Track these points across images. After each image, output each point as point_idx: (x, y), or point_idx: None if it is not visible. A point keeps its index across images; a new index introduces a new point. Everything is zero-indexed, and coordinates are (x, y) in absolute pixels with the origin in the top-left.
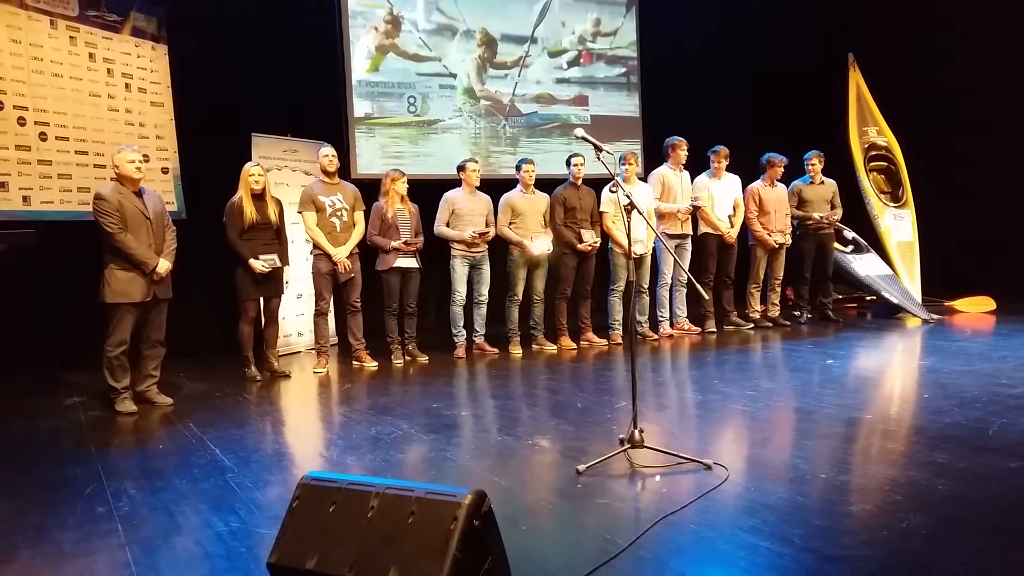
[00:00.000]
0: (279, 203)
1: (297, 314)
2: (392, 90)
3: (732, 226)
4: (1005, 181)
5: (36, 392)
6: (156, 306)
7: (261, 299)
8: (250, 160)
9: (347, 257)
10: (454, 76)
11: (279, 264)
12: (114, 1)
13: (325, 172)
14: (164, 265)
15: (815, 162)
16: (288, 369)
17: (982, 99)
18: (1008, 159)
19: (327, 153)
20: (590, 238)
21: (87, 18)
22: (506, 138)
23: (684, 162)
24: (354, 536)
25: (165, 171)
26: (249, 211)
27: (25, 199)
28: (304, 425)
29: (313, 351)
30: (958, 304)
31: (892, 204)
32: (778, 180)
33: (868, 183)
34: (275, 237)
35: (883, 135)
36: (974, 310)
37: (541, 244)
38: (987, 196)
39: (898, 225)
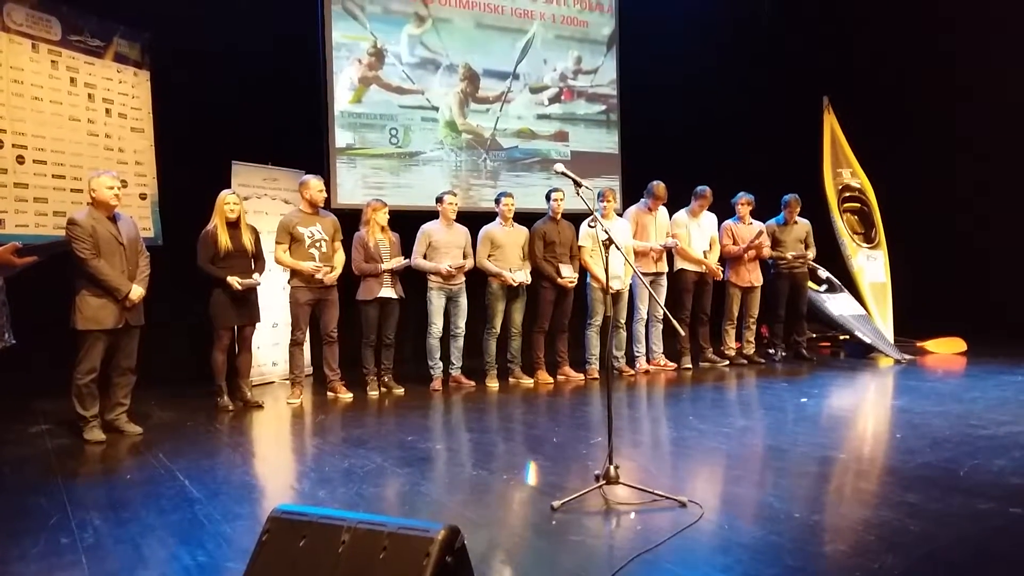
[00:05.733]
0: (255, 231)
1: (272, 343)
2: (374, 121)
3: (707, 258)
4: (977, 222)
5: (2, 418)
6: (128, 333)
7: (235, 327)
8: (228, 188)
9: (326, 286)
10: (436, 109)
11: (257, 283)
12: (97, 27)
13: (311, 204)
14: (137, 291)
15: (792, 206)
16: (261, 399)
17: (954, 142)
18: (980, 201)
19: (320, 188)
20: (569, 273)
21: (69, 43)
22: (486, 172)
23: (661, 206)
24: (325, 571)
25: (143, 197)
26: (224, 240)
27: None
28: (276, 457)
29: (287, 381)
30: (929, 345)
31: (865, 245)
32: (752, 218)
33: (842, 224)
34: (251, 266)
35: (856, 177)
36: (945, 351)
37: (520, 276)
38: (959, 237)
39: (871, 266)
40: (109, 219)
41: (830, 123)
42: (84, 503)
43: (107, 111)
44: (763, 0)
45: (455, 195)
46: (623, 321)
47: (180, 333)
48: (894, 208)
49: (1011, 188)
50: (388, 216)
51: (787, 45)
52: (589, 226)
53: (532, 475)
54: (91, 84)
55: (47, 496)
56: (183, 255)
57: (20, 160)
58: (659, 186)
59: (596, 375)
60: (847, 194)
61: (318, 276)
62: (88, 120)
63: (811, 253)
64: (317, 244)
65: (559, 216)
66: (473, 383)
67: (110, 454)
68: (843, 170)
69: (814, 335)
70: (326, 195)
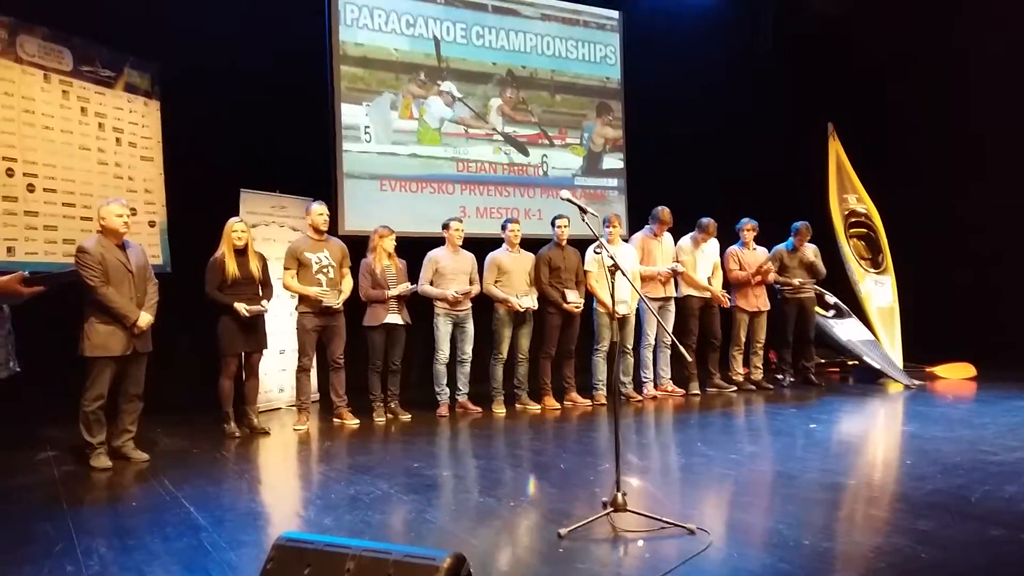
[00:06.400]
0: (262, 258)
1: (279, 370)
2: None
3: (711, 285)
4: (985, 245)
5: (9, 445)
6: (136, 360)
7: (243, 354)
8: (236, 215)
9: (333, 312)
10: (442, 136)
11: (264, 309)
12: (108, 57)
13: (316, 229)
14: (145, 319)
15: (803, 233)
16: (268, 426)
17: (961, 166)
18: (988, 224)
19: (321, 212)
20: (575, 298)
21: (81, 73)
22: (495, 198)
23: (667, 231)
24: None
25: (152, 224)
26: (231, 267)
27: (9, 250)
28: (282, 484)
29: (294, 408)
30: (939, 370)
31: (872, 270)
32: (756, 243)
33: (848, 249)
34: (258, 293)
35: (863, 202)
36: (955, 376)
37: (527, 301)
38: (968, 262)
39: (878, 291)
40: (118, 247)
41: (835, 149)
42: (90, 530)
43: (117, 140)
44: (766, 25)
45: (461, 221)
46: (630, 346)
47: (188, 360)
48: (901, 233)
49: (1019, 211)
50: (395, 243)
51: (791, 71)
52: (595, 252)
53: (532, 488)
54: (101, 114)
55: (52, 523)
56: (192, 282)
57: (31, 188)
58: (664, 211)
59: (603, 401)
60: (853, 219)
61: (324, 302)
62: (98, 149)
63: (821, 273)
64: (324, 270)
65: (564, 242)
66: (480, 409)
67: (116, 481)
68: (849, 196)
69: (822, 360)
70: (328, 220)
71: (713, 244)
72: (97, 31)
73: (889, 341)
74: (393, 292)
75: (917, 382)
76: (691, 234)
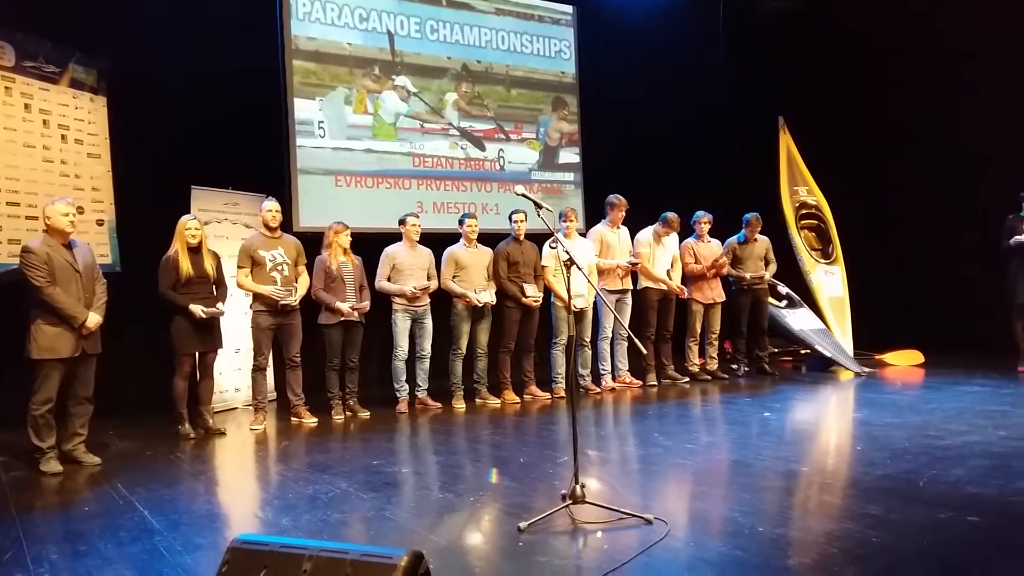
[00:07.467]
0: (216, 256)
1: (234, 369)
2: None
3: (671, 279)
4: (932, 238)
5: None
6: (84, 361)
7: (197, 354)
8: (188, 213)
9: (289, 310)
10: (398, 131)
11: (221, 312)
12: (52, 53)
13: (267, 227)
14: (94, 319)
15: (753, 225)
16: (223, 426)
17: (908, 161)
18: (933, 215)
19: (270, 208)
20: (533, 292)
21: (24, 69)
22: (452, 193)
23: (622, 221)
24: None
25: (100, 223)
26: (185, 265)
27: None
28: (239, 485)
29: (250, 407)
30: (888, 357)
31: (823, 261)
32: (710, 236)
33: (799, 240)
34: (213, 292)
35: (813, 194)
36: (903, 363)
37: (485, 296)
38: (915, 251)
39: (829, 281)
40: (64, 246)
41: (786, 143)
42: (40, 537)
43: (63, 137)
44: (719, 23)
45: (418, 217)
46: (588, 339)
47: (140, 360)
48: (850, 224)
49: (965, 203)
50: (350, 239)
51: (744, 66)
52: (551, 246)
53: (494, 477)
54: (46, 110)
55: (1, 530)
56: (142, 281)
57: None
58: (619, 198)
59: (563, 394)
60: (804, 211)
61: (282, 302)
62: (43, 147)
63: (772, 268)
64: (279, 267)
65: (522, 237)
66: (439, 405)
67: (67, 486)
68: (799, 188)
69: (776, 350)
70: (279, 216)
71: (673, 238)
72: (41, 26)
73: (840, 329)
74: (344, 307)
75: (867, 369)
76: (652, 227)
